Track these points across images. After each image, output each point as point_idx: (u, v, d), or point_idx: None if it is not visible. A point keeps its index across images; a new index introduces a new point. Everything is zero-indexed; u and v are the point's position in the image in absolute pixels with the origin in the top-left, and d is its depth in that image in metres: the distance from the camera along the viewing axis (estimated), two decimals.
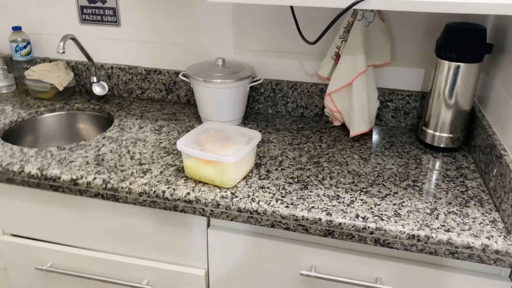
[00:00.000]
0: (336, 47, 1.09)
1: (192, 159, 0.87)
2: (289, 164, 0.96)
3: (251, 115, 1.23)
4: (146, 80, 1.30)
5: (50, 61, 1.36)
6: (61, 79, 1.28)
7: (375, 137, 1.11)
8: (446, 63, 0.97)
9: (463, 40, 0.95)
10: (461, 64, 0.96)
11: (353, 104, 1.05)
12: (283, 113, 1.24)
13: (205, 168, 0.86)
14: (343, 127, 1.16)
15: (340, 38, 1.08)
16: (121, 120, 1.18)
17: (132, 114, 1.22)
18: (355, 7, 0.68)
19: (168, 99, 1.31)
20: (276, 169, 0.94)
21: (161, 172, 0.91)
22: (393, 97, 1.15)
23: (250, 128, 1.14)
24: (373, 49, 1.06)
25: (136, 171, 0.92)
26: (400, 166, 0.96)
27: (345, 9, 0.69)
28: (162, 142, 1.05)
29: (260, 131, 1.12)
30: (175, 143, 1.05)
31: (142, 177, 0.89)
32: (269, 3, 0.74)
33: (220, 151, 0.87)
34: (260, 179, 0.90)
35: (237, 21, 1.18)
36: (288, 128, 1.15)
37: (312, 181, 0.89)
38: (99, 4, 1.26)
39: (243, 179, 0.90)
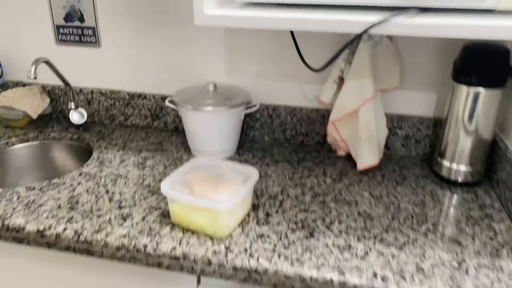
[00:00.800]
0: (340, 70, 0.98)
1: (179, 204, 0.75)
2: (291, 205, 0.84)
3: (246, 143, 1.11)
4: (130, 105, 1.18)
5: (24, 85, 1.24)
6: (35, 105, 1.15)
7: (384, 169, 1.00)
8: (464, 88, 0.87)
9: (484, 63, 0.84)
10: (482, 90, 0.85)
11: (360, 133, 0.94)
12: (281, 141, 1.13)
13: (195, 215, 0.74)
14: (349, 157, 1.04)
15: (343, 60, 0.97)
16: (101, 151, 1.05)
17: (113, 144, 1.09)
18: (370, 31, 0.57)
19: (154, 126, 1.19)
20: (277, 211, 0.82)
21: (144, 218, 0.79)
22: (403, 123, 1.04)
23: (245, 160, 1.02)
24: (381, 72, 0.96)
25: (115, 217, 0.79)
26: (416, 206, 0.85)
27: (358, 34, 0.58)
28: (146, 179, 0.93)
29: (256, 163, 1.01)
30: (160, 180, 0.93)
31: (121, 224, 0.77)
32: (265, 28, 0.63)
33: (212, 194, 0.75)
34: (258, 225, 0.78)
35: (229, 41, 1.07)
36: (288, 159, 1.03)
37: (318, 227, 0.78)
38: (77, 23, 1.14)
39: (239, 225, 0.78)
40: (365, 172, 0.98)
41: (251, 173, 0.81)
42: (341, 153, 1.05)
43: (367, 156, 0.94)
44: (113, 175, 0.94)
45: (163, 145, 1.09)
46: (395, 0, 0.56)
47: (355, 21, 0.58)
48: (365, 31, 0.56)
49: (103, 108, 1.21)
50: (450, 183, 0.94)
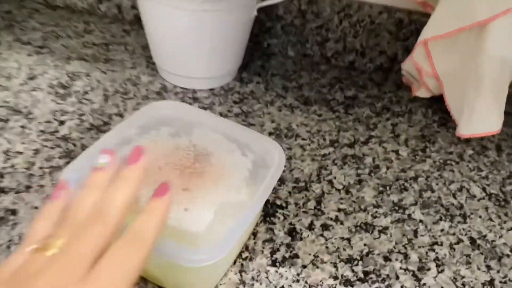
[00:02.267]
0: None
1: None
2: (339, 211, 0.43)
3: (255, 59, 0.65)
4: None
5: None
6: None
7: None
8: None
9: None
10: None
11: (482, 75, 0.48)
12: (316, 60, 0.66)
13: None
14: (432, 102, 0.60)
15: None
16: (3, 52, 0.59)
17: (26, 39, 0.63)
18: None
19: (101, 13, 0.71)
20: (311, 227, 0.41)
21: None
22: None
23: (252, 93, 0.57)
24: None
25: None
26: None
27: None
28: (64, 123, 0.49)
29: (271, 104, 0.56)
30: (92, 128, 0.49)
31: None
32: None
33: (180, 210, 0.32)
34: (273, 266, 0.37)
35: None
36: (327, 97, 0.59)
37: (398, 277, 0.37)
38: None
39: (234, 263, 0.37)
40: (466, 138, 0.54)
41: (271, 154, 0.37)
42: (422, 93, 0.60)
43: (486, 116, 0.50)
44: (6, 108, 0.50)
45: (110, 50, 0.63)
46: None
47: None
48: None
49: None
50: None
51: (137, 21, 0.69)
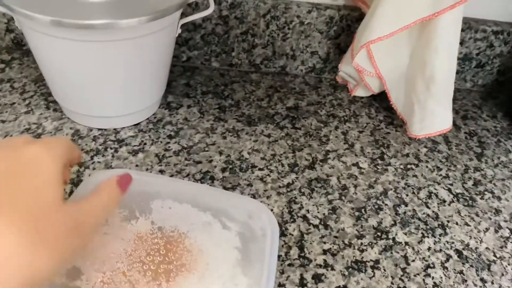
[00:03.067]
0: None
1: None
2: (327, 252, 0.38)
3: (176, 77, 0.56)
4: None
5: None
6: None
7: None
8: None
9: None
10: None
11: (432, 72, 0.46)
12: (244, 68, 0.60)
13: None
14: (372, 99, 0.58)
15: None
16: None
17: None
18: None
19: None
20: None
21: None
22: (467, 35, 0.58)
23: (186, 121, 0.49)
24: None
25: None
26: None
27: None
28: None
29: (213, 131, 0.49)
30: None
31: None
32: None
33: None
34: None
35: None
36: (269, 112, 0.53)
37: None
38: None
39: None
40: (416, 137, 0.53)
41: (255, 216, 0.31)
42: (359, 93, 0.58)
43: (439, 114, 0.49)
44: None
45: None
46: None
47: None
48: None
49: None
50: None
51: (18, 46, 0.55)
